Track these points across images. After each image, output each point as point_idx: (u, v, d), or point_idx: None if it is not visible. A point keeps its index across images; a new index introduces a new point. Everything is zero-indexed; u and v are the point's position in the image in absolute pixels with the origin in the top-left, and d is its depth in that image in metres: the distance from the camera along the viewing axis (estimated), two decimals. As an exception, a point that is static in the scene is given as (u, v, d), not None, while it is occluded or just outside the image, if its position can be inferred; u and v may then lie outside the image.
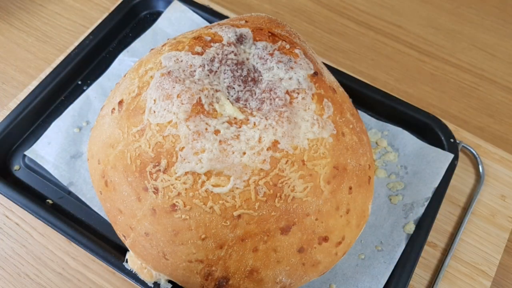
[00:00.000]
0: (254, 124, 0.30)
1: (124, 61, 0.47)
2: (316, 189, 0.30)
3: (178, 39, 0.34)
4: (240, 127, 0.30)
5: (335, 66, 0.47)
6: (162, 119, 0.30)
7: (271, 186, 0.29)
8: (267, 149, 0.29)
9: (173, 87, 0.30)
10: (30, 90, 0.45)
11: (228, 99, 0.31)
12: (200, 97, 0.30)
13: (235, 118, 0.30)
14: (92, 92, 0.46)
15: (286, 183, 0.29)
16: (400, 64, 0.53)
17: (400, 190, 0.40)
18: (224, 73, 0.32)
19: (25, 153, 0.42)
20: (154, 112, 0.30)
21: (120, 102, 0.33)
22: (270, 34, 0.34)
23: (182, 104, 0.30)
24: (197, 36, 0.33)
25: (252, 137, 0.29)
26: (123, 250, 0.37)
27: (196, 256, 0.29)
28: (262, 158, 0.29)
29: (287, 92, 0.31)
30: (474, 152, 0.44)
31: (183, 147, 0.29)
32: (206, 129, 0.29)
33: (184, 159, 0.29)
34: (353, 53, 0.54)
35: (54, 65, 0.47)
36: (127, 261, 0.35)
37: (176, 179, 0.29)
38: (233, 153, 0.29)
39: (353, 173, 0.32)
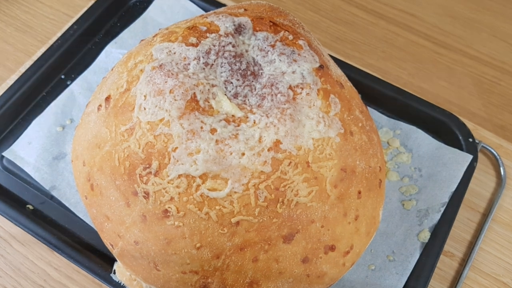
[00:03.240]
0: (254, 122, 0.30)
1: (111, 53, 0.47)
2: (322, 193, 0.30)
3: (170, 29, 0.34)
4: (238, 125, 0.30)
5: (343, 59, 0.47)
6: (153, 116, 0.30)
7: (272, 190, 0.29)
8: (268, 150, 0.29)
9: (165, 82, 0.30)
10: (8, 85, 0.45)
11: (225, 94, 0.31)
12: (194, 93, 0.30)
13: (233, 115, 0.30)
14: (76, 87, 0.46)
15: (289, 187, 0.29)
16: (414, 56, 0.53)
17: (413, 194, 0.40)
18: (221, 67, 0.32)
19: (3, 154, 0.42)
20: (145, 109, 0.30)
21: (107, 98, 0.33)
22: (271, 23, 0.34)
23: (175, 100, 0.30)
24: (191, 26, 0.33)
25: (252, 137, 0.29)
26: (110, 260, 0.37)
27: (190, 266, 0.29)
28: (262, 160, 0.29)
29: (290, 87, 0.31)
30: (494, 152, 0.44)
31: (176, 148, 0.29)
32: (202, 127, 0.29)
33: (178, 161, 0.29)
34: (362, 45, 0.54)
35: (35, 57, 0.47)
36: (114, 272, 0.35)
37: (168, 183, 0.29)
38: (231, 154, 0.29)
39: (362, 176, 0.32)
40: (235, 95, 0.32)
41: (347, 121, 0.32)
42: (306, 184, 0.29)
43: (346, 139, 0.31)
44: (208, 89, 0.30)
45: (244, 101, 0.32)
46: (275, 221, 0.29)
